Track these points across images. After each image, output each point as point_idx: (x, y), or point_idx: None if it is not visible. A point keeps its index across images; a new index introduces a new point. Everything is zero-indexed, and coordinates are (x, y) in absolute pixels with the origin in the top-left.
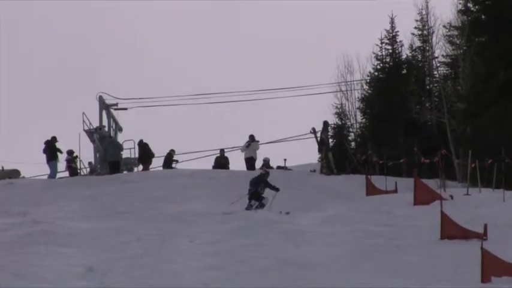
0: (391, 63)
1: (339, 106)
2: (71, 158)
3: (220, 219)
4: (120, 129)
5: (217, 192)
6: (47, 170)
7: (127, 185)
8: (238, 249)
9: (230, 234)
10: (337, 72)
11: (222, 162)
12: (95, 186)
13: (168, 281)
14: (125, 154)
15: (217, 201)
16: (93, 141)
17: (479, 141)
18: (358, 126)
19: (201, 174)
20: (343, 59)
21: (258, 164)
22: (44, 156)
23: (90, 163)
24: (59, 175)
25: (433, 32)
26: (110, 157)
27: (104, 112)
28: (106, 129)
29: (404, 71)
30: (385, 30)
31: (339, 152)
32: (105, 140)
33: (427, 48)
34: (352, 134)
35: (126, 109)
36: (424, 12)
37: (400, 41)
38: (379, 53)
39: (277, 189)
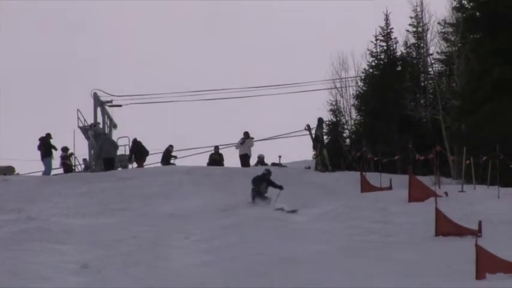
0: (385, 60)
1: (333, 103)
2: (66, 155)
3: (215, 216)
4: (115, 126)
5: (212, 189)
6: (41, 166)
7: (122, 181)
8: (233, 245)
9: (225, 231)
10: (332, 69)
11: (216, 159)
12: (90, 183)
13: (163, 277)
14: (120, 151)
15: (212, 198)
16: (87, 138)
17: (474, 138)
18: (352, 123)
19: (196, 171)
20: (338, 56)
21: (253, 161)
22: (39, 153)
23: (84, 160)
24: (53, 172)
25: (427, 29)
26: (104, 154)
27: (98, 109)
28: (101, 126)
29: (399, 68)
30: (380, 27)
31: (333, 148)
32: (100, 137)
33: (422, 45)
34: (346, 130)
35: (120, 106)
36: (418, 9)
37: (395, 38)
38: (374, 50)
39: (281, 188)
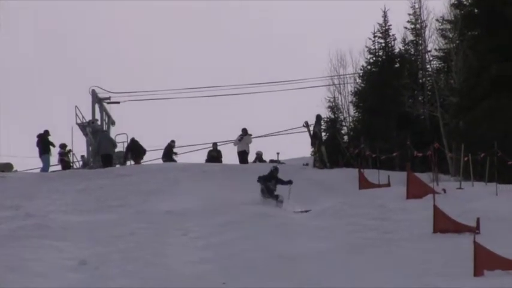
0: (384, 57)
1: (331, 100)
2: (64, 152)
3: (214, 213)
4: (113, 123)
5: (210, 186)
6: (39, 163)
7: (120, 178)
8: (231, 242)
9: (223, 227)
10: (330, 65)
11: (214, 155)
12: (88, 180)
13: (161, 274)
14: (118, 148)
15: (210, 195)
16: (85, 134)
17: (472, 135)
18: (351, 120)
19: (194, 167)
20: (336, 53)
21: (251, 157)
22: (37, 149)
23: (82, 156)
24: (51, 168)
25: (425, 26)
26: (102, 150)
27: (96, 106)
28: (99, 122)
29: (397, 65)
30: (378, 24)
31: (331, 145)
32: (98, 134)
33: (420, 42)
34: (345, 127)
35: (118, 103)
36: (416, 6)
37: (393, 35)
38: (372, 47)
39: (290, 182)
